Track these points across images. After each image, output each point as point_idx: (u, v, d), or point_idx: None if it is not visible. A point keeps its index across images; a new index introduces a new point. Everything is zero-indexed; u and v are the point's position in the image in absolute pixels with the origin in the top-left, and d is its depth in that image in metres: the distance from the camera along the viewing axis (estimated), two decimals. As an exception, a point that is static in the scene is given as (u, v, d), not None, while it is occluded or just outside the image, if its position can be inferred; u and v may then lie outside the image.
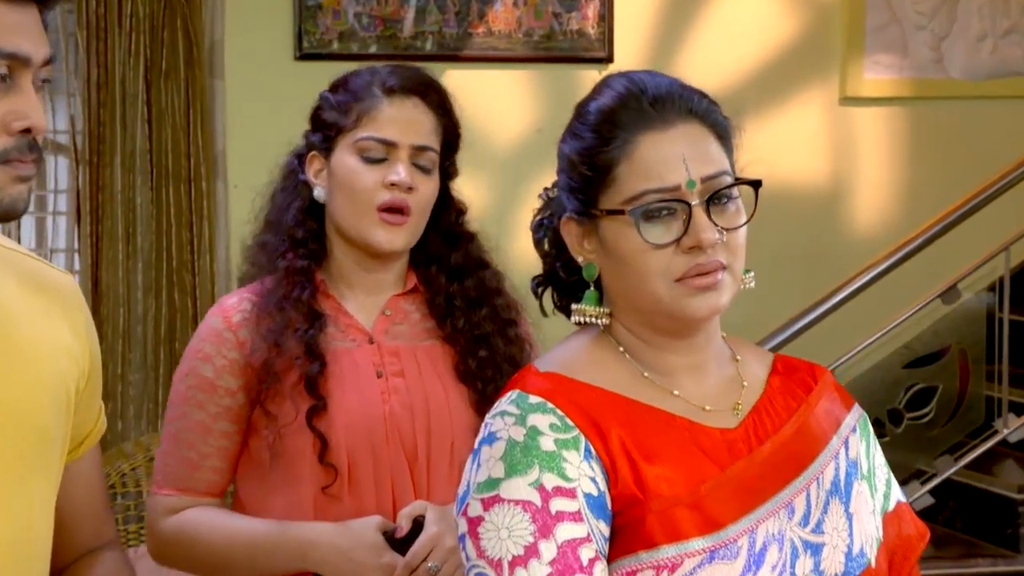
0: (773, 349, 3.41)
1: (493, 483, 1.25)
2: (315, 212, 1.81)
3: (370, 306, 1.81)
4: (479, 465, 1.27)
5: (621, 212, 1.29)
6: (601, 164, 1.30)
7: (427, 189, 1.78)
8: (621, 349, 1.33)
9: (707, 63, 3.82)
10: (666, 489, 1.27)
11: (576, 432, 1.26)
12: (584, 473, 1.25)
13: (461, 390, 1.79)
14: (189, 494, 1.77)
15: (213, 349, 1.76)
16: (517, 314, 1.84)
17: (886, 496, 1.39)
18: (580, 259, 1.34)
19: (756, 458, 1.31)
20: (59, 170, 3.52)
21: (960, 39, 4.04)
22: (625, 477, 1.26)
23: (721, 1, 3.89)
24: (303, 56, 3.59)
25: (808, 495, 1.32)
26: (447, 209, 1.84)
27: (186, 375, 1.78)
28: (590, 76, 3.52)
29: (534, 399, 1.27)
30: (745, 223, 1.31)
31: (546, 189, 1.40)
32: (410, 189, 1.75)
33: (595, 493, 1.25)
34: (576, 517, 1.24)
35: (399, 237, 1.76)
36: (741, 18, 3.89)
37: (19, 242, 3.46)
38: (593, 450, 1.26)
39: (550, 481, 1.24)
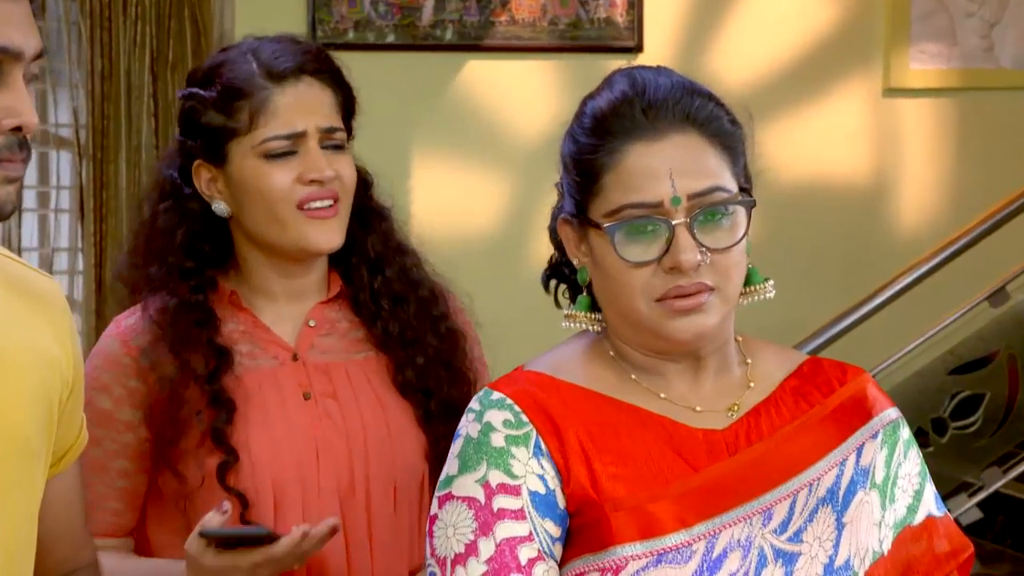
0: (809, 354, 3.33)
1: (448, 480, 1.28)
2: (209, 228, 1.64)
3: (291, 317, 1.66)
4: (447, 462, 1.30)
5: (599, 226, 1.28)
6: (590, 171, 1.29)
7: (348, 169, 1.64)
8: (612, 354, 1.33)
9: (742, 52, 3.78)
10: (623, 490, 1.27)
11: (528, 428, 1.27)
12: (531, 471, 1.26)
13: (403, 406, 1.65)
14: None
15: (109, 377, 1.61)
16: (444, 303, 1.71)
17: (911, 509, 1.36)
18: (575, 262, 1.33)
19: (738, 460, 1.30)
20: (61, 165, 3.50)
21: (1012, 26, 4.00)
22: (579, 477, 1.27)
23: None
24: (317, 46, 3.55)
25: (794, 501, 1.31)
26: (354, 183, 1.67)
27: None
28: (619, 67, 3.43)
29: (496, 395, 1.29)
30: (737, 243, 1.28)
31: (557, 183, 1.39)
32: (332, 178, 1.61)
33: (542, 491, 1.26)
34: (518, 515, 1.25)
35: (335, 232, 1.61)
36: (779, 4, 3.85)
37: (20, 241, 3.51)
38: (544, 447, 1.27)
39: (495, 478, 1.26)
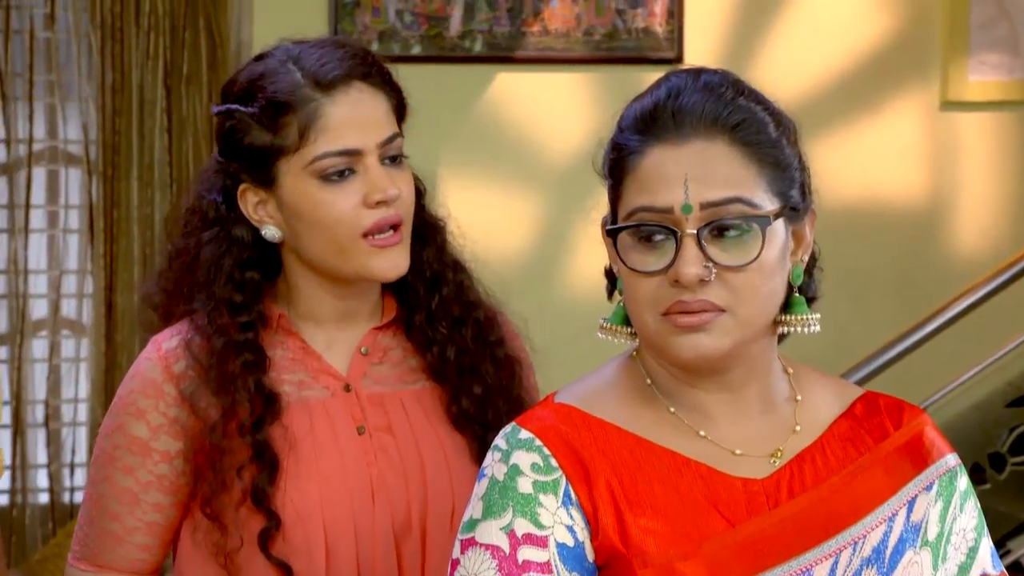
0: (859, 383, 3.28)
1: (471, 524, 1.26)
2: (257, 253, 1.58)
3: (343, 343, 1.59)
4: (470, 503, 1.28)
5: (611, 232, 1.27)
6: (615, 173, 1.28)
7: (409, 185, 1.57)
8: (648, 381, 1.30)
9: (790, 64, 3.76)
10: (653, 545, 1.24)
11: (558, 475, 1.24)
12: (560, 520, 1.24)
13: (458, 441, 1.58)
14: (109, 572, 1.57)
15: (148, 404, 1.55)
16: (500, 327, 1.65)
17: (963, 567, 1.32)
18: (615, 270, 1.30)
19: (778, 515, 1.26)
20: (71, 183, 3.50)
21: (1078, 35, 4.02)
22: (608, 528, 1.24)
23: None
24: (339, 58, 3.52)
25: (836, 562, 1.26)
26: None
27: (113, 432, 1.57)
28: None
29: (524, 434, 1.26)
30: (751, 262, 1.24)
31: None
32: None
33: (571, 543, 1.24)
34: (544, 568, 1.23)
35: (401, 258, 1.54)
36: (828, 13, 3.82)
37: (27, 263, 3.49)
38: (574, 496, 1.24)
39: (521, 527, 1.23)
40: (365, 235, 1.54)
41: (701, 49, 3.69)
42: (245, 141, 1.55)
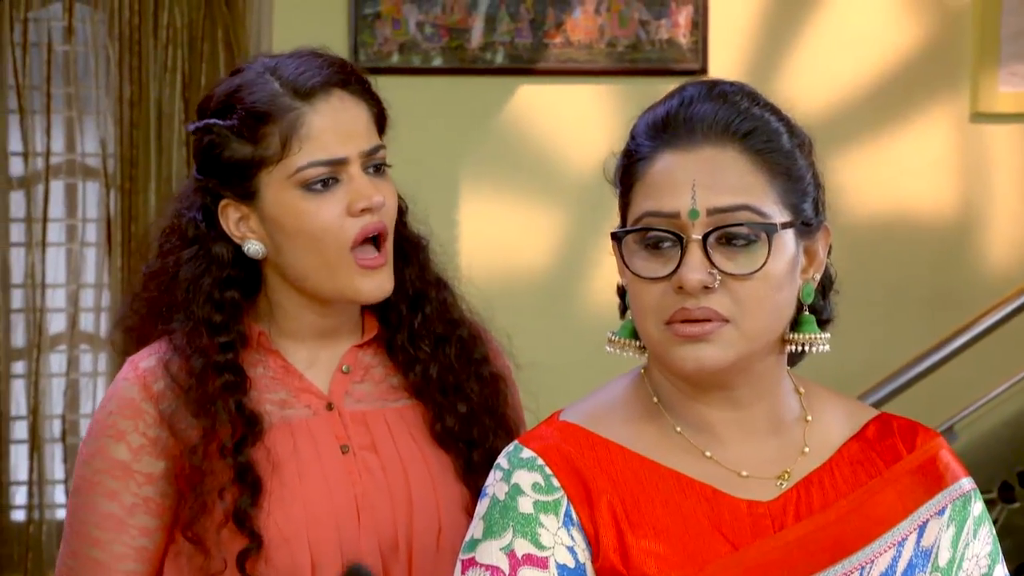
0: (886, 398, 3.29)
1: (472, 544, 1.25)
2: (236, 270, 1.56)
3: (324, 361, 1.57)
4: (472, 522, 1.27)
5: (617, 236, 1.26)
6: (624, 180, 1.28)
7: (392, 197, 1.56)
8: (655, 399, 1.29)
9: (816, 75, 3.73)
10: (655, 568, 1.22)
11: (559, 495, 1.24)
12: (561, 541, 1.23)
13: (443, 459, 1.57)
14: None
15: (128, 424, 1.52)
16: (484, 344, 1.63)
17: None
18: (621, 277, 1.29)
19: (783, 539, 1.25)
20: (88, 197, 3.48)
21: (1113, 47, 3.96)
22: (609, 550, 1.23)
23: (832, 5, 3.80)
24: (359, 70, 3.51)
25: None
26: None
27: (92, 457, 1.54)
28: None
29: (526, 453, 1.26)
30: (756, 271, 1.22)
31: None
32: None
33: (571, 564, 1.23)
34: None
35: (386, 278, 1.53)
36: (855, 24, 3.79)
37: (44, 276, 3.50)
38: (575, 516, 1.24)
39: (522, 547, 1.22)
40: (353, 247, 1.52)
41: (726, 60, 3.67)
42: (225, 155, 1.53)
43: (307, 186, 1.51)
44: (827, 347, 1.27)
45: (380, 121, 1.57)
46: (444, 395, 1.59)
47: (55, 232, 3.49)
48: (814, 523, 1.25)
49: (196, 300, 1.54)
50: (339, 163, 1.52)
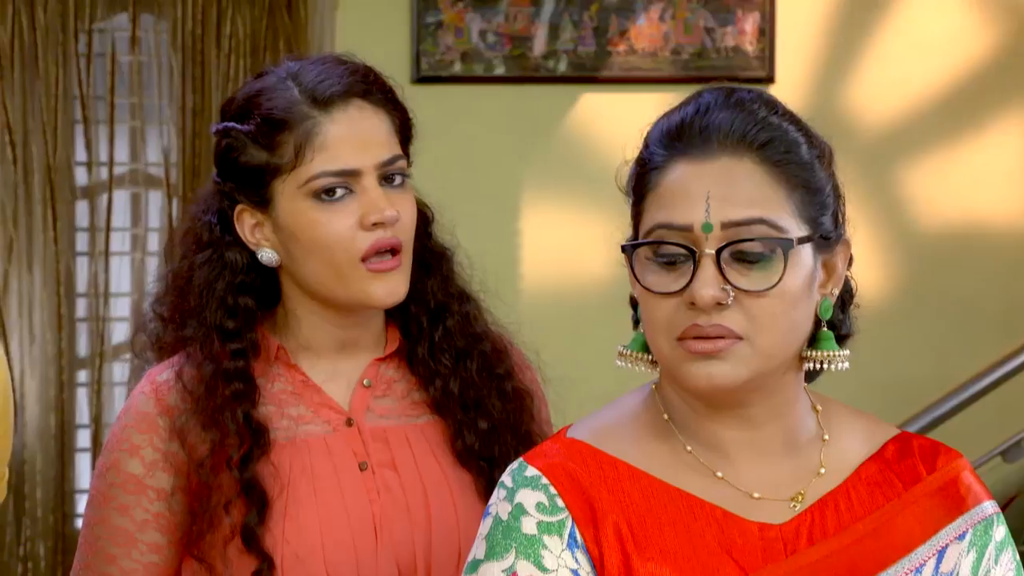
0: (946, 415, 3.24)
1: (474, 565, 1.23)
2: (252, 278, 1.54)
3: (344, 375, 1.55)
4: (475, 542, 1.25)
5: (627, 248, 1.23)
6: (637, 190, 1.26)
7: (409, 209, 1.53)
8: (666, 417, 1.26)
9: (886, 83, 3.69)
10: None
11: (564, 515, 1.22)
12: (565, 564, 1.21)
13: (464, 477, 1.55)
14: None
15: (143, 439, 1.51)
16: (508, 359, 1.61)
17: None
18: (635, 293, 1.26)
19: (795, 563, 1.21)
20: (151, 206, 3.53)
21: None
22: (613, 572, 1.20)
23: (903, 10, 3.76)
24: (421, 79, 3.50)
25: None
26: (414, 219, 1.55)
27: (107, 470, 1.53)
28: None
29: (531, 472, 1.24)
30: (772, 287, 1.19)
31: None
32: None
33: None
34: None
35: (399, 283, 1.51)
36: (928, 29, 3.75)
37: (108, 286, 3.55)
38: (580, 538, 1.21)
39: (524, 569, 1.20)
40: (364, 259, 1.50)
41: (793, 68, 3.65)
42: (241, 160, 1.51)
43: (319, 196, 1.50)
44: (846, 364, 1.24)
45: (404, 131, 1.56)
46: (465, 411, 1.57)
47: (118, 241, 3.53)
48: (828, 547, 1.22)
49: (209, 306, 1.53)
50: (352, 174, 1.50)
